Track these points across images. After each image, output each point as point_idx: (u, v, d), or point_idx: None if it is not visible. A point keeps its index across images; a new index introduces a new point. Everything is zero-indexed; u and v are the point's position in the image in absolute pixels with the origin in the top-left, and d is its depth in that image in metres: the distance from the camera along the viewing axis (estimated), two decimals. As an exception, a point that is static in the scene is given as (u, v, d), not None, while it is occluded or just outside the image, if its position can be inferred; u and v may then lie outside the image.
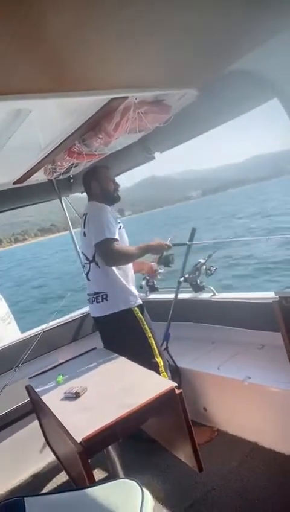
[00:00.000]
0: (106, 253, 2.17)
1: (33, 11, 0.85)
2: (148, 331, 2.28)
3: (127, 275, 2.32)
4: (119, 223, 2.30)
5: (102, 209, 2.28)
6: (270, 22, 1.29)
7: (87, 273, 2.39)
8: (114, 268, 2.26)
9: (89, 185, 2.44)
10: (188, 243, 2.69)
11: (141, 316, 2.28)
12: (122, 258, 2.23)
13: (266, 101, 1.70)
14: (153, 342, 2.28)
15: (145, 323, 2.28)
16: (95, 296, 2.33)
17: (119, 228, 2.28)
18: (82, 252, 2.44)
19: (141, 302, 2.34)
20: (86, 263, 2.39)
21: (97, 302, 2.32)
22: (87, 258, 2.36)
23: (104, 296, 2.29)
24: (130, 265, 2.37)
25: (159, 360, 2.27)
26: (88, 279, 2.40)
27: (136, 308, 2.28)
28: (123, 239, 2.32)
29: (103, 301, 2.30)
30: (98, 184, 2.41)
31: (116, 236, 2.18)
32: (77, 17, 0.94)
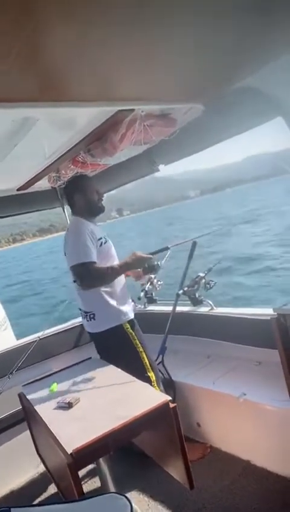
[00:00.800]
0: (79, 278, 2.11)
1: (41, 23, 0.87)
2: (140, 345, 2.24)
3: (114, 291, 2.26)
4: (100, 239, 2.22)
5: (79, 228, 2.20)
6: (278, 41, 1.32)
7: (77, 289, 2.33)
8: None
9: (72, 197, 2.33)
10: (169, 246, 2.56)
11: (131, 331, 2.25)
12: (96, 281, 2.15)
13: (270, 119, 1.72)
14: (145, 356, 2.25)
15: (136, 338, 2.24)
16: (84, 314, 2.32)
17: (101, 245, 2.21)
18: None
19: (132, 317, 2.30)
20: (73, 281, 2.33)
21: (87, 320, 2.32)
22: (72, 278, 2.29)
23: (92, 316, 2.27)
24: (120, 280, 2.30)
25: (151, 374, 2.24)
26: (78, 295, 2.36)
27: (127, 324, 2.25)
28: (108, 254, 2.25)
29: (91, 320, 2.28)
30: (81, 196, 2.31)
31: (93, 258, 2.11)
32: (85, 29, 0.95)
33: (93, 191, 2.34)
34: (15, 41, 0.91)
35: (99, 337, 2.32)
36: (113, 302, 2.24)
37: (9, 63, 1.00)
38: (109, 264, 2.21)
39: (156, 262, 2.44)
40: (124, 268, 2.25)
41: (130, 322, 2.27)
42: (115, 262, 2.29)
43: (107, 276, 2.17)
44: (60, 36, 0.96)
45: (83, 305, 2.32)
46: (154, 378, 2.25)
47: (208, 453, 2.35)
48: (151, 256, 2.35)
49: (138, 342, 2.24)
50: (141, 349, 2.24)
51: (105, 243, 2.26)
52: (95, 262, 2.11)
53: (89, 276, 2.10)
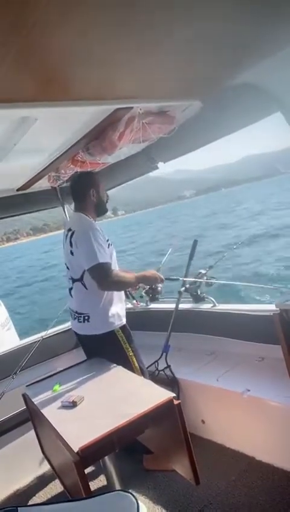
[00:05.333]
0: (101, 279, 2.07)
1: (39, 22, 0.87)
2: (130, 349, 2.23)
3: (112, 295, 2.23)
4: (108, 240, 2.19)
5: (91, 228, 2.14)
6: (276, 36, 1.31)
7: (70, 288, 2.31)
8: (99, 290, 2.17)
9: (86, 193, 2.26)
10: (180, 278, 2.70)
11: (122, 335, 2.22)
12: (117, 285, 2.15)
13: (269, 114, 1.72)
14: (135, 360, 2.24)
15: (126, 342, 2.23)
16: (76, 315, 2.28)
17: (108, 246, 2.18)
18: (66, 267, 2.33)
19: (125, 323, 2.27)
20: (70, 279, 2.30)
21: (79, 322, 2.27)
22: (71, 276, 2.27)
23: (86, 318, 2.23)
24: None
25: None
26: (71, 296, 2.32)
27: (119, 329, 2.22)
28: (111, 256, 2.22)
29: (84, 322, 2.24)
30: (96, 193, 2.27)
31: (108, 259, 2.10)
32: (83, 28, 0.95)
33: (104, 189, 2.34)
34: (12, 41, 0.91)
35: (90, 341, 2.29)
36: (109, 307, 2.21)
37: (7, 63, 1.00)
38: (113, 267, 2.20)
39: (159, 288, 2.48)
40: (139, 280, 2.28)
41: (122, 327, 2.25)
42: (116, 265, 2.28)
43: (126, 282, 2.19)
44: (57, 36, 0.96)
45: (78, 306, 2.27)
46: None
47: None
48: (163, 279, 2.39)
49: (128, 346, 2.23)
50: (131, 353, 2.23)
51: (111, 244, 2.23)
52: (110, 263, 2.11)
53: (109, 278, 2.07)
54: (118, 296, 2.28)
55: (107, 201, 2.38)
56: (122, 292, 2.37)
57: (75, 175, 2.39)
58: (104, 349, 2.25)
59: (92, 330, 2.24)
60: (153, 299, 3.25)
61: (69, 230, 2.27)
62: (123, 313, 2.29)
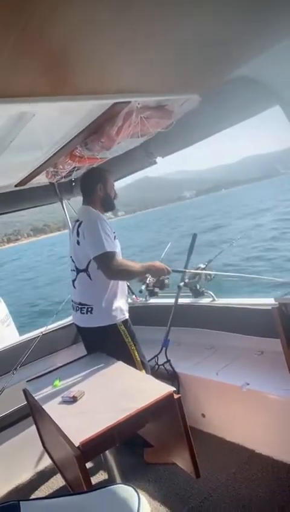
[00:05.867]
0: (108, 267, 2.07)
1: (36, 16, 0.86)
2: (132, 343, 2.23)
3: (116, 289, 2.25)
4: (114, 232, 2.21)
5: (99, 218, 2.18)
6: (274, 30, 1.30)
7: (74, 280, 2.31)
8: (104, 281, 2.18)
9: (94, 187, 2.31)
10: (185, 270, 2.71)
11: (124, 329, 2.23)
12: (123, 273, 2.15)
13: (268, 107, 1.71)
14: (136, 354, 2.24)
15: (128, 336, 2.23)
16: (79, 306, 2.28)
17: (114, 238, 2.20)
18: (72, 259, 2.35)
19: (127, 317, 2.27)
20: (73, 270, 2.32)
21: (81, 313, 2.27)
22: (76, 267, 2.29)
23: (90, 309, 2.23)
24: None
25: (142, 371, 2.23)
26: (74, 287, 2.33)
27: (121, 323, 2.22)
28: (117, 249, 2.23)
29: (87, 313, 2.24)
30: (103, 188, 2.31)
31: (115, 249, 2.12)
32: (80, 22, 0.94)
33: (112, 186, 2.37)
34: (8, 35, 0.90)
35: (92, 333, 2.29)
36: (113, 300, 2.22)
37: (3, 57, 0.99)
38: None
39: (166, 281, 2.49)
40: (147, 269, 2.27)
41: (125, 321, 2.25)
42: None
43: (133, 271, 2.18)
44: (54, 30, 0.95)
45: (81, 297, 2.27)
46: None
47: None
48: (171, 271, 2.38)
49: (130, 340, 2.23)
50: (133, 348, 2.24)
51: (116, 238, 2.24)
52: (116, 253, 2.13)
53: (116, 266, 2.08)
54: (122, 291, 2.29)
55: (115, 198, 2.39)
56: (126, 287, 2.37)
57: (86, 170, 2.45)
58: (105, 342, 2.26)
59: (94, 322, 2.24)
60: (153, 294, 3.25)
61: (77, 221, 2.31)
62: (126, 308, 2.30)
